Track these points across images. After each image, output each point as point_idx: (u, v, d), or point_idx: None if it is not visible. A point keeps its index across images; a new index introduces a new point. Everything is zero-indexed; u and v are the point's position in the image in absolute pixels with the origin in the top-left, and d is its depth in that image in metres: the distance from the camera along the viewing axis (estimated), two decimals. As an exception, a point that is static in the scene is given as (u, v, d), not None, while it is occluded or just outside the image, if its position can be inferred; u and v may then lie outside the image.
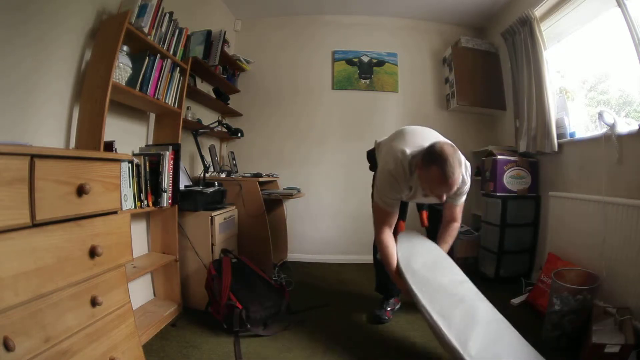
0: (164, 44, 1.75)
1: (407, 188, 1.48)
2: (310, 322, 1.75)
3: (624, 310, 1.40)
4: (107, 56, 1.39)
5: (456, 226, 1.66)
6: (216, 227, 1.90)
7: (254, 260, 1.98)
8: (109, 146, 1.45)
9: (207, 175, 2.22)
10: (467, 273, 1.54)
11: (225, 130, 2.39)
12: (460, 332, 1.19)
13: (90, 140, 1.36)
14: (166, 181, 1.69)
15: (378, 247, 1.60)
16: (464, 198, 1.58)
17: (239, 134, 2.43)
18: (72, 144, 1.40)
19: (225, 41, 2.52)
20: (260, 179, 2.38)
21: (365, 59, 3.09)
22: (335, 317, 1.84)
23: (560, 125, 2.18)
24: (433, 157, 1.29)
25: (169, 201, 1.72)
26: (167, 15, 1.73)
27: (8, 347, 0.72)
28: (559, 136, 2.16)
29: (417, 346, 1.55)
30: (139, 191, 1.57)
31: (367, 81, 3.08)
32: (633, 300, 1.47)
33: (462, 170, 1.37)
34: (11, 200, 0.76)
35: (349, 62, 3.09)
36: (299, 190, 2.71)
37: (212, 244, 1.88)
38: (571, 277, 1.61)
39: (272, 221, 2.61)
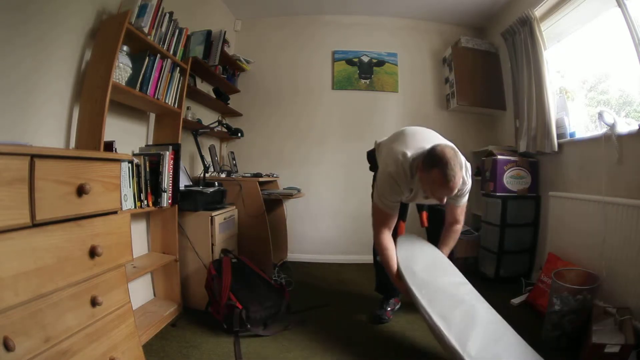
0: (164, 44, 1.75)
1: (407, 190, 1.48)
2: (310, 322, 1.75)
3: (624, 310, 1.40)
4: (107, 56, 1.39)
5: (458, 228, 1.66)
6: (216, 227, 1.90)
7: (254, 260, 1.98)
8: (109, 146, 1.45)
9: (207, 175, 2.22)
10: (467, 273, 1.54)
11: (225, 130, 2.39)
12: (460, 332, 1.20)
13: (90, 140, 1.36)
14: (166, 181, 1.69)
15: (377, 249, 1.60)
16: (465, 199, 1.57)
17: (239, 134, 2.43)
18: (72, 144, 1.40)
19: (225, 41, 2.52)
20: (260, 179, 2.38)
21: (365, 59, 3.09)
22: (335, 317, 1.84)
23: (560, 125, 2.18)
24: (434, 160, 1.29)
25: (169, 201, 1.72)
26: (167, 15, 1.73)
27: (8, 347, 0.72)
28: (559, 136, 2.16)
29: (417, 346, 1.55)
30: (139, 191, 1.57)
31: (367, 81, 3.08)
32: (633, 300, 1.47)
33: (463, 173, 1.37)
34: (11, 200, 0.76)
35: (349, 62, 3.09)
36: (299, 190, 2.71)
37: (212, 244, 1.88)
38: (571, 277, 1.61)
39: (272, 221, 2.61)
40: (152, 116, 1.96)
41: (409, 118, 2.93)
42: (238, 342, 1.53)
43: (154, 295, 1.90)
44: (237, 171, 2.76)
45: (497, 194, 2.34)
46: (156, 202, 1.66)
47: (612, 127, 1.69)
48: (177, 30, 1.84)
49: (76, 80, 1.43)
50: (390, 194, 1.47)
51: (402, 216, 1.72)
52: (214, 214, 1.89)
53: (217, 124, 2.30)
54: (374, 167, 1.82)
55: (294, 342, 1.57)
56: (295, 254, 2.99)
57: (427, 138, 1.51)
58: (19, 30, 1.19)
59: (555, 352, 1.44)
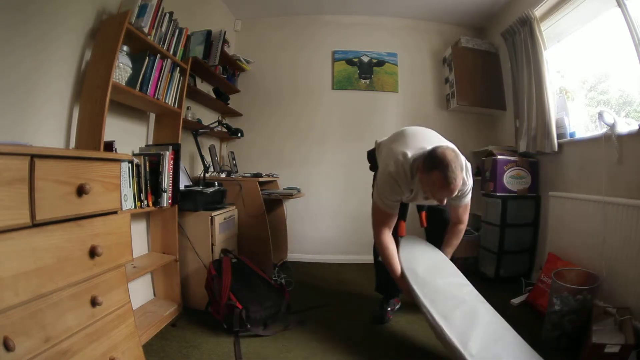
0: (164, 44, 1.75)
1: (407, 190, 1.48)
2: (310, 322, 1.75)
3: (624, 310, 1.40)
4: (107, 56, 1.39)
5: (462, 228, 1.67)
6: (216, 227, 1.90)
7: (254, 260, 1.98)
8: (109, 146, 1.45)
9: (207, 175, 2.22)
10: (467, 273, 1.54)
11: (225, 130, 2.39)
12: (461, 332, 1.21)
13: (90, 140, 1.36)
14: (166, 181, 1.69)
15: (378, 248, 1.60)
16: (467, 198, 1.57)
17: (239, 134, 2.43)
18: (72, 144, 1.40)
19: (225, 41, 2.52)
20: (260, 179, 2.38)
21: (365, 59, 3.09)
22: (335, 317, 1.84)
23: (560, 125, 2.18)
24: (435, 162, 1.28)
25: (169, 201, 1.72)
26: (167, 15, 1.73)
27: (8, 347, 0.72)
28: (559, 136, 2.16)
29: (418, 346, 1.55)
30: (139, 191, 1.57)
31: (367, 81, 3.07)
32: (633, 300, 1.47)
33: (463, 174, 1.37)
34: (11, 200, 0.76)
35: (349, 62, 3.09)
36: (299, 190, 2.71)
37: (212, 244, 1.88)
38: (571, 277, 1.61)
39: (272, 221, 2.61)
40: (152, 116, 1.96)
41: (409, 118, 2.93)
42: (238, 342, 1.53)
43: (154, 295, 1.90)
44: (237, 171, 2.76)
45: (497, 194, 2.34)
46: (156, 202, 1.66)
47: (612, 127, 1.69)
48: (177, 30, 1.84)
49: (76, 80, 1.43)
50: (390, 194, 1.47)
51: (403, 216, 1.72)
52: (214, 214, 1.89)
53: (217, 124, 2.30)
54: (374, 166, 1.82)
55: (294, 342, 1.57)
56: (295, 254, 2.99)
57: (427, 138, 1.51)
58: (19, 30, 1.19)
59: (555, 352, 1.44)
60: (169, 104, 1.81)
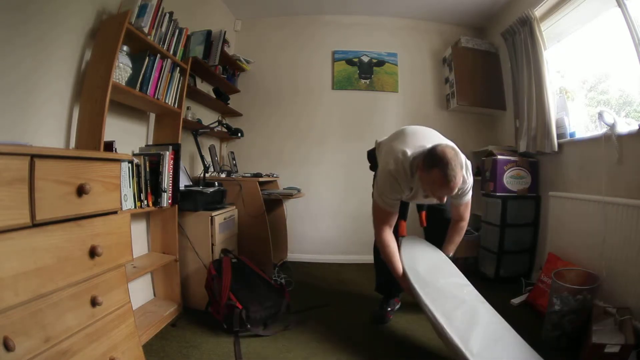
0: (164, 44, 1.74)
1: (407, 189, 1.48)
2: (310, 322, 1.75)
3: (624, 310, 1.40)
4: (107, 56, 1.39)
5: (463, 225, 1.67)
6: (216, 227, 1.90)
7: (254, 260, 1.98)
8: (109, 146, 1.45)
9: (207, 175, 2.22)
10: (467, 273, 1.55)
11: (225, 130, 2.39)
12: (462, 331, 1.21)
13: (90, 140, 1.36)
14: (166, 181, 1.69)
15: (379, 247, 1.60)
16: (468, 196, 1.57)
17: (239, 134, 2.43)
18: (72, 144, 1.40)
19: (225, 41, 2.52)
20: (260, 179, 2.38)
21: (365, 59, 3.09)
22: (335, 317, 1.84)
23: (560, 125, 2.18)
24: (434, 160, 1.29)
25: (169, 201, 1.72)
26: (167, 15, 1.73)
27: (8, 347, 0.72)
28: (559, 136, 2.16)
29: (418, 346, 1.55)
30: (139, 191, 1.57)
31: (367, 81, 3.07)
32: (633, 300, 1.47)
33: (463, 172, 1.37)
34: (11, 200, 0.76)
35: (349, 62, 3.09)
36: (299, 190, 2.71)
37: (212, 244, 1.88)
38: (571, 277, 1.61)
39: (272, 221, 2.61)
40: (152, 116, 1.96)
41: (409, 118, 2.93)
42: (238, 342, 1.53)
43: (154, 295, 1.90)
44: (237, 171, 2.76)
45: (497, 194, 2.34)
46: (156, 202, 1.66)
47: (612, 127, 1.69)
48: (177, 30, 1.84)
49: (76, 80, 1.43)
50: (390, 192, 1.47)
51: (403, 215, 1.72)
52: (214, 214, 1.89)
53: (217, 124, 2.30)
54: (374, 166, 1.82)
55: (294, 342, 1.57)
56: (295, 254, 2.99)
57: (427, 137, 1.51)
58: (19, 30, 1.19)
59: (555, 352, 1.44)
60: (169, 104, 1.81)
